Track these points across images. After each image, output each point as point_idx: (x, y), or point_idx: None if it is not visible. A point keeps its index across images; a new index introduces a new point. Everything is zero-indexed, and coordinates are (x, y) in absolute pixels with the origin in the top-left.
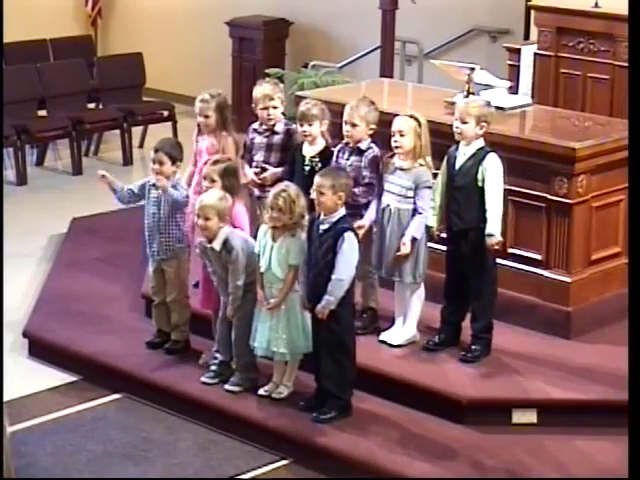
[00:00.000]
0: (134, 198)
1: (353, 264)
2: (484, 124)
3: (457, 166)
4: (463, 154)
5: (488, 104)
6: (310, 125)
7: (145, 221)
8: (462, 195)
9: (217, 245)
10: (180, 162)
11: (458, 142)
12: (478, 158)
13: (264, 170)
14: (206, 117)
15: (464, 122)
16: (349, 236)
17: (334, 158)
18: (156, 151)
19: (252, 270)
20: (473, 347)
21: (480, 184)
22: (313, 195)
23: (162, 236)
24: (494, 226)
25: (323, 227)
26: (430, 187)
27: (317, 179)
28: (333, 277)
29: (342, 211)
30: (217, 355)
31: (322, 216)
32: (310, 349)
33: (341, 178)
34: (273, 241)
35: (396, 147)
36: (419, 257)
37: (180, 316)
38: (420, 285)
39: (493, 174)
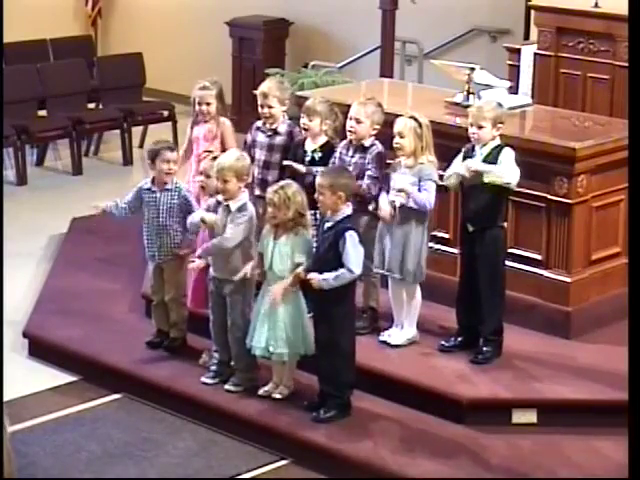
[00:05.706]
0: (133, 208)
1: (360, 261)
2: (500, 125)
3: None
4: (480, 154)
5: (500, 105)
6: (310, 120)
7: (144, 225)
8: (478, 194)
9: (234, 205)
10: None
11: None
12: (494, 156)
13: (267, 169)
14: (207, 104)
15: (480, 127)
16: (350, 235)
17: (337, 154)
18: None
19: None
20: (484, 349)
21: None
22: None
23: (162, 239)
24: (488, 169)
25: (327, 225)
26: (434, 181)
27: (317, 179)
28: (346, 266)
29: (347, 210)
30: (216, 355)
31: (327, 214)
32: (310, 351)
33: (341, 178)
34: (275, 240)
35: (397, 149)
36: (421, 257)
37: (178, 314)
38: (416, 285)
39: (507, 160)
